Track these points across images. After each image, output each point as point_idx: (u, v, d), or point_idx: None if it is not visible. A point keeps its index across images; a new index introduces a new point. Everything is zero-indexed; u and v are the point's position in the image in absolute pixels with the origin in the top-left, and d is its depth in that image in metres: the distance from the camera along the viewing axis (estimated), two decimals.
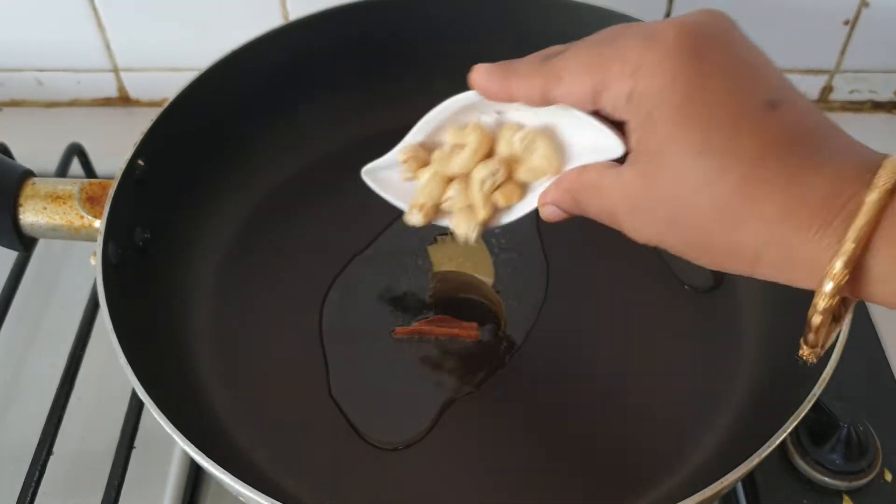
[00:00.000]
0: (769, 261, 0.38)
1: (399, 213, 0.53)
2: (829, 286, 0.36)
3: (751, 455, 0.47)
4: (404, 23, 0.73)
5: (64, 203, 0.60)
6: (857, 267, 0.36)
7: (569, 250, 0.67)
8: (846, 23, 0.82)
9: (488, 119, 0.48)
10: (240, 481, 0.46)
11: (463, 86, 0.46)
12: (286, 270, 0.67)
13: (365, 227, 0.69)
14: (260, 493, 0.45)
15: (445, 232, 0.52)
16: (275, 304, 0.65)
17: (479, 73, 0.46)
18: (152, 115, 0.63)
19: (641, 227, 0.42)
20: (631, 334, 0.63)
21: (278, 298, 0.65)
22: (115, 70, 0.91)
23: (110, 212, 0.57)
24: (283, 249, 0.68)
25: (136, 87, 0.93)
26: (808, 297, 0.38)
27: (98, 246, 0.56)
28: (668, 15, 0.79)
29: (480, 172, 0.48)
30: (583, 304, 0.65)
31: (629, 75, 0.40)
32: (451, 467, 0.57)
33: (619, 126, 0.42)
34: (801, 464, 0.59)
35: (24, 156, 0.73)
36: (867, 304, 0.69)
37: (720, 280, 0.65)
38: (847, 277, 0.36)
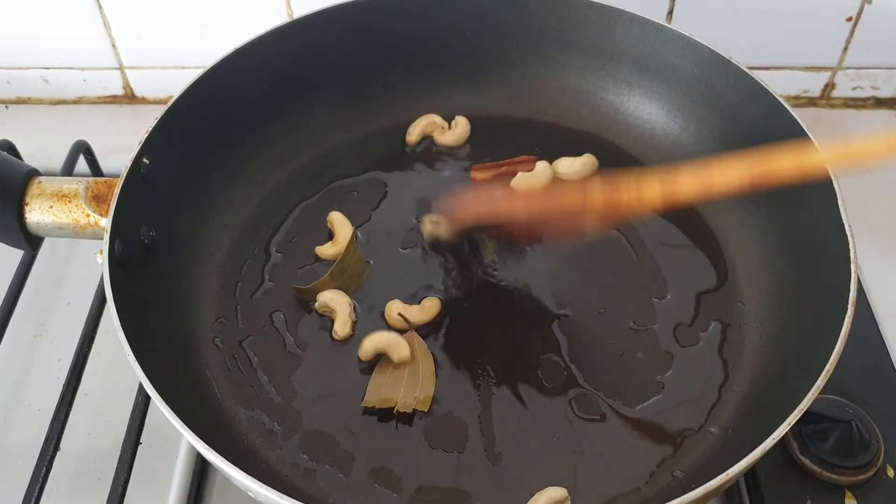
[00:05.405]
0: None
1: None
2: None
3: (753, 449, 0.47)
4: (407, 20, 0.74)
5: (70, 202, 0.60)
6: None
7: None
8: (849, 20, 0.82)
9: None
10: (248, 475, 0.46)
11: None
12: (290, 265, 0.67)
13: (367, 223, 0.70)
14: (268, 488, 0.46)
15: None
16: (279, 299, 0.66)
17: None
18: (158, 112, 0.63)
19: None
20: (633, 331, 0.63)
21: (283, 293, 0.66)
22: (121, 68, 0.91)
23: (116, 210, 0.58)
24: (287, 245, 0.69)
25: (142, 84, 0.93)
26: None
27: (105, 244, 0.56)
28: (670, 13, 0.79)
29: None
30: (586, 301, 0.65)
31: None
32: None
33: None
34: (803, 459, 0.59)
35: (30, 153, 0.73)
36: (868, 299, 0.70)
37: (724, 279, 0.66)
38: None
